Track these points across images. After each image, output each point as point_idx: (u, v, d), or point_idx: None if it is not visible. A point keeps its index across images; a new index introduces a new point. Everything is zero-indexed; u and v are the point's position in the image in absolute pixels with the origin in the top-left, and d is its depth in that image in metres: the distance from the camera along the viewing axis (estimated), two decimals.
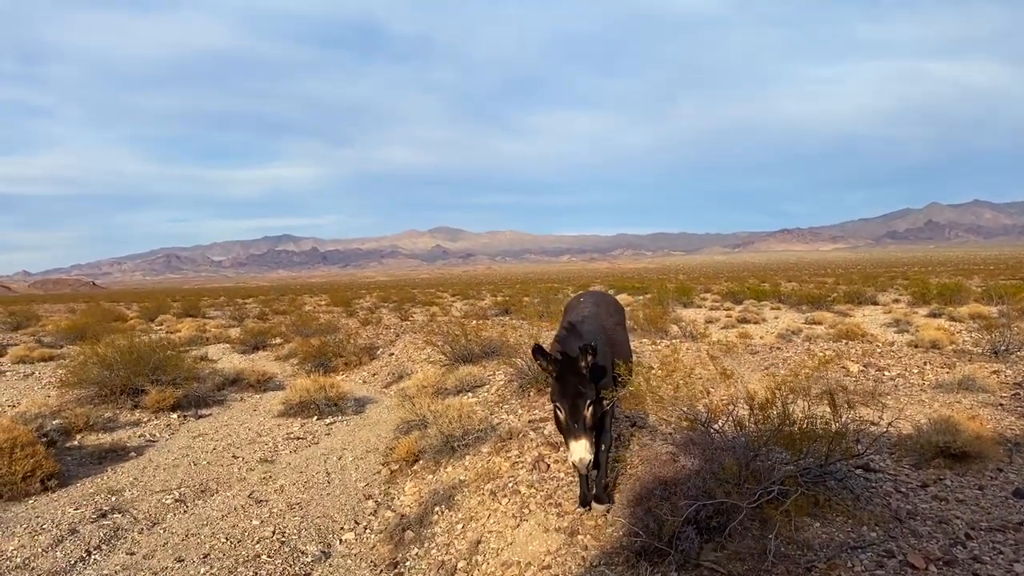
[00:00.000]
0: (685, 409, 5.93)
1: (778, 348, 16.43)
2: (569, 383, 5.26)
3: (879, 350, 15.00)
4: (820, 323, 25.28)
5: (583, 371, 5.24)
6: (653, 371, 6.39)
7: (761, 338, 20.91)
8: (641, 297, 40.16)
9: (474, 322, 20.03)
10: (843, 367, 12.89)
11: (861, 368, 12.89)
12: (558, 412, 5.37)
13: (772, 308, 33.70)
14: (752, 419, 5.59)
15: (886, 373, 12.58)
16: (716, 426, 5.81)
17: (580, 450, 5.18)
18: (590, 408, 5.27)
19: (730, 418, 5.79)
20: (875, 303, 34.71)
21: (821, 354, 13.63)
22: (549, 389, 5.97)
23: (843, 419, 5.70)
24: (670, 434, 7.04)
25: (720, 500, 5.01)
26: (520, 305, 33.62)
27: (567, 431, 5.29)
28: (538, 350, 5.28)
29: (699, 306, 36.98)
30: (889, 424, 7.53)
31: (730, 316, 28.95)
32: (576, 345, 5.37)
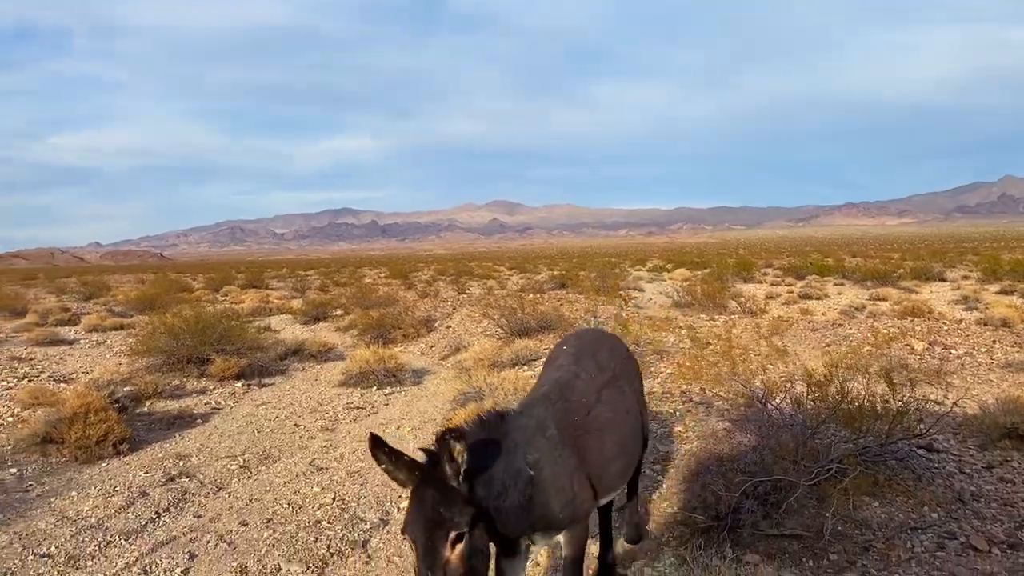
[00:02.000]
0: (742, 386, 5.88)
1: (840, 325, 16.10)
2: (424, 503, 3.08)
3: (946, 328, 14.59)
4: (885, 300, 24.65)
5: (451, 483, 3.11)
6: (710, 347, 6.32)
7: (823, 314, 20.50)
8: (700, 272, 39.68)
9: (530, 296, 20.10)
10: (908, 345, 12.58)
11: (927, 346, 12.56)
12: (410, 550, 3.21)
13: (835, 284, 32.96)
14: (810, 396, 5.52)
15: (953, 352, 12.24)
16: (773, 403, 5.75)
17: None
18: (458, 548, 3.05)
19: (787, 395, 5.72)
20: (943, 280, 33.68)
21: (885, 331, 13.34)
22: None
23: (904, 398, 5.58)
24: (726, 411, 7.00)
25: (777, 477, 4.97)
26: (577, 279, 33.54)
27: None
28: (376, 444, 3.14)
29: (760, 281, 36.38)
30: (954, 404, 7.33)
31: (791, 292, 28.41)
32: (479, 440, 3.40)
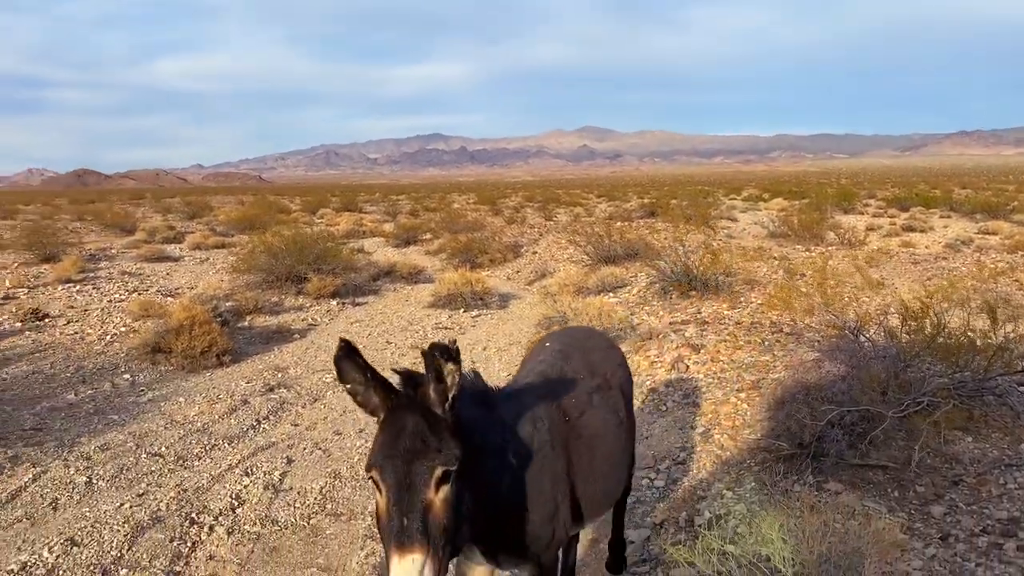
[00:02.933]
0: (833, 317, 5.76)
1: (944, 259, 15.44)
2: (402, 431, 2.42)
3: None
4: (995, 234, 23.35)
5: (436, 409, 2.47)
6: (803, 278, 6.17)
7: (926, 248, 19.64)
8: (797, 203, 38.42)
9: (618, 224, 19.92)
10: (1016, 280, 11.98)
11: None
12: (376, 493, 2.44)
13: (941, 216, 31.41)
14: (905, 329, 5.36)
15: None
16: (865, 335, 5.62)
17: None
18: (443, 491, 2.40)
19: (881, 327, 5.57)
20: None
21: (992, 266, 12.73)
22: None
23: (1007, 333, 5.37)
24: (816, 341, 6.87)
25: (865, 407, 4.89)
26: (667, 208, 32.99)
27: (387, 531, 2.36)
28: (348, 353, 2.44)
29: (861, 213, 34.98)
30: None
31: (894, 224, 27.23)
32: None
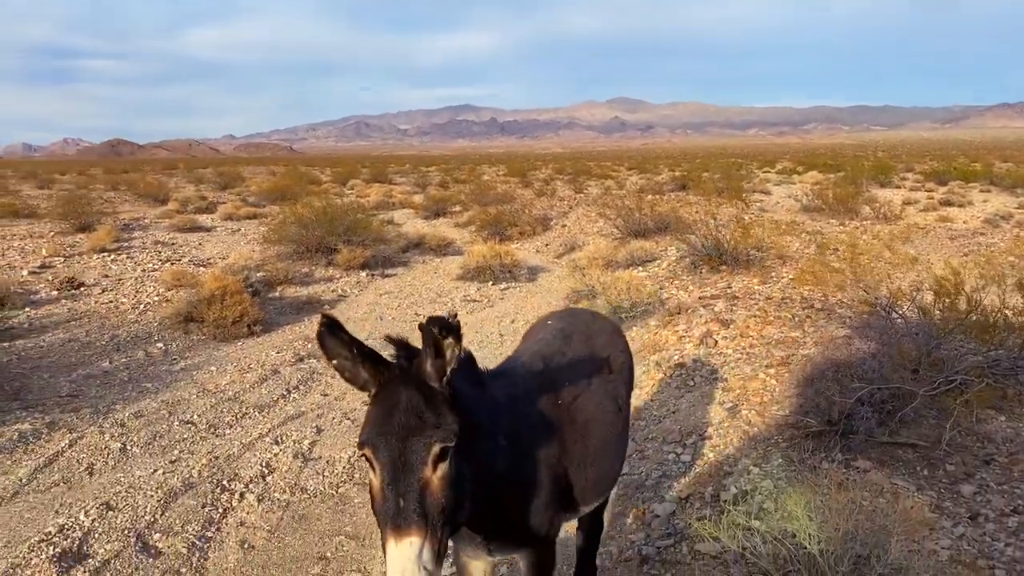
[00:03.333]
0: (865, 293, 5.68)
1: (982, 234, 15.15)
2: (397, 406, 2.29)
3: None
4: None
5: (433, 383, 2.33)
6: (836, 253, 6.07)
7: (964, 223, 19.26)
8: (832, 176, 37.80)
9: (649, 197, 19.75)
10: None
11: None
12: (370, 472, 2.32)
13: (981, 191, 30.73)
14: (938, 306, 5.27)
15: None
16: (898, 311, 5.53)
17: (402, 563, 2.11)
18: (440, 469, 2.27)
19: (914, 303, 5.48)
20: None
21: None
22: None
23: None
24: (848, 318, 6.79)
25: (895, 385, 4.83)
26: (698, 181, 32.62)
27: (382, 513, 2.22)
28: (331, 329, 2.30)
29: (898, 187, 34.36)
30: None
31: (931, 198, 26.71)
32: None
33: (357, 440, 2.31)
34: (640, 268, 12.11)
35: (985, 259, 6.00)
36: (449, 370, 2.31)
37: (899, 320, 5.47)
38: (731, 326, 7.75)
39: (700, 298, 9.18)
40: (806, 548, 3.33)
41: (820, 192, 22.04)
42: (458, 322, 2.25)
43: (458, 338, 2.24)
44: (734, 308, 8.38)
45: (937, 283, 5.28)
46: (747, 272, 10.32)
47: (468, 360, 2.69)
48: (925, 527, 3.80)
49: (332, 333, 2.31)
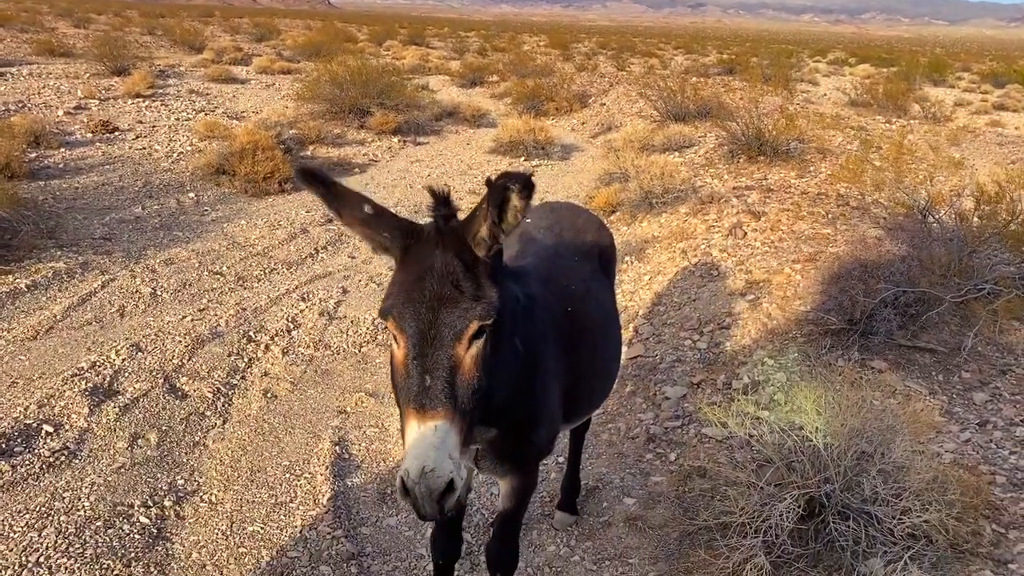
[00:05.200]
0: (904, 194, 5.55)
1: None
2: (431, 271, 1.98)
3: None
4: None
5: (479, 249, 2.03)
6: (878, 151, 5.89)
7: (1016, 129, 18.57)
8: (885, 70, 36.30)
9: (693, 79, 19.13)
10: None
11: None
12: (393, 343, 2.06)
13: None
14: (977, 213, 5.15)
15: None
16: (934, 215, 5.42)
17: (424, 448, 1.88)
18: (475, 347, 2.02)
19: (952, 209, 5.36)
20: None
21: None
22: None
23: None
24: (882, 218, 6.67)
25: (922, 289, 4.79)
26: (746, 66, 31.45)
27: (404, 390, 1.97)
28: (306, 175, 2.05)
29: (951, 86, 33.02)
30: None
31: (985, 101, 25.71)
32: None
33: (380, 307, 2.04)
34: (676, 153, 11.86)
35: None
36: (503, 238, 2.01)
37: (934, 224, 5.37)
38: (762, 219, 7.65)
39: (734, 188, 9.03)
40: (811, 441, 3.40)
41: (870, 87, 21.23)
42: (534, 182, 1.90)
43: (528, 201, 1.89)
44: (767, 200, 8.25)
45: (979, 189, 5.14)
46: (785, 164, 10.08)
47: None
48: (932, 430, 3.86)
49: (308, 177, 2.04)
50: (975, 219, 5.15)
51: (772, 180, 9.33)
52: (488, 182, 1.88)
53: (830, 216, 7.43)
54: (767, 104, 13.40)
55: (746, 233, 7.38)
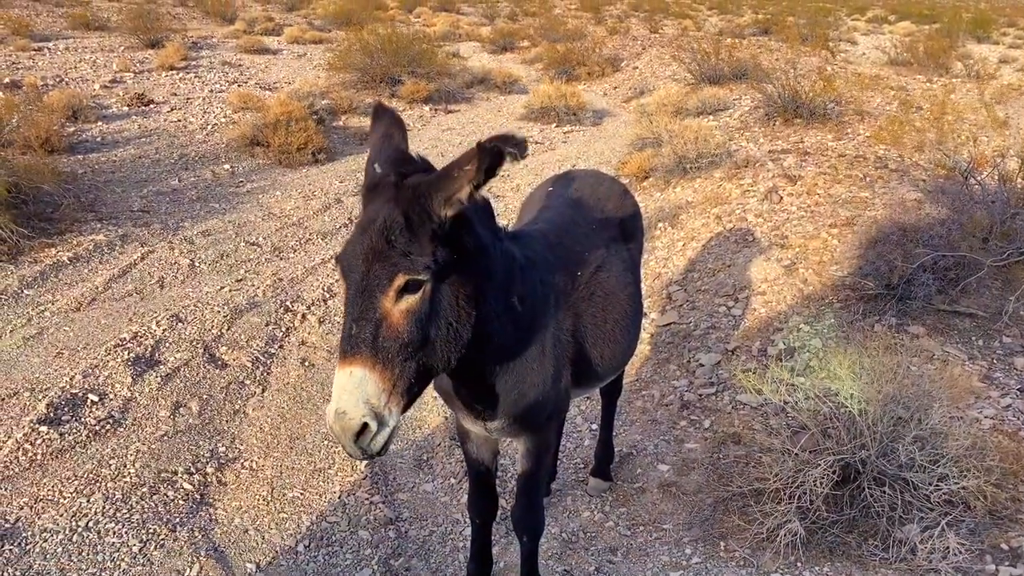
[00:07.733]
0: (945, 156, 5.43)
1: None
2: (372, 224, 2.06)
3: None
4: None
5: (441, 208, 2.04)
6: (919, 112, 5.75)
7: None
8: (927, 27, 35.26)
9: (728, 41, 18.76)
10: None
11: None
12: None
13: None
14: (1021, 175, 5.02)
15: None
16: (976, 177, 5.30)
17: (338, 391, 2.00)
18: (405, 302, 2.04)
19: (995, 171, 5.23)
20: None
21: None
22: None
23: None
24: (923, 180, 6.53)
25: (962, 254, 4.71)
26: (782, 26, 30.74)
27: (343, 339, 2.06)
28: (378, 109, 2.50)
29: (996, 43, 32.00)
30: None
31: None
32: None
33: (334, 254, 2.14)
34: (711, 117, 11.68)
35: None
36: (478, 197, 2.09)
37: (976, 187, 5.25)
38: (798, 182, 7.53)
39: (770, 151, 8.88)
40: (847, 407, 3.38)
41: (911, 45, 20.65)
42: (521, 151, 1.95)
43: (494, 165, 1.97)
44: (804, 164, 8.12)
45: (1023, 149, 5.02)
46: (822, 127, 9.89)
47: (486, 208, 2.45)
48: (971, 395, 3.82)
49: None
50: (1019, 180, 5.03)
51: (809, 143, 9.17)
52: (478, 145, 1.94)
53: (868, 179, 7.29)
54: (804, 65, 13.11)
55: (782, 197, 7.27)
